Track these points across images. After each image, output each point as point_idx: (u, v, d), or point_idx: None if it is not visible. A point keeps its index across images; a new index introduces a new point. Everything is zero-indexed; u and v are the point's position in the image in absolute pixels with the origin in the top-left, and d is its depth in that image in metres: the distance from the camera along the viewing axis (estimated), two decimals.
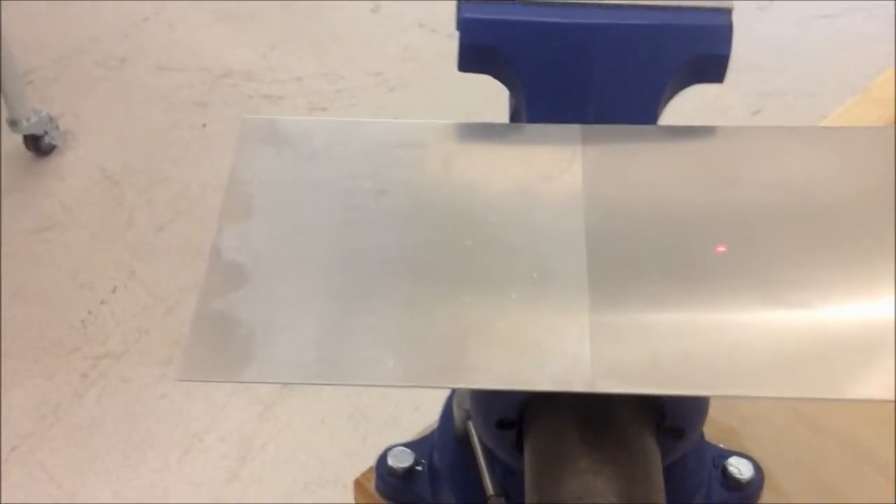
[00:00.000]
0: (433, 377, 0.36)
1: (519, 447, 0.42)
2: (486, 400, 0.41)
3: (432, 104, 1.80)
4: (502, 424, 0.41)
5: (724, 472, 0.51)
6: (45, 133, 1.66)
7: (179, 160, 1.70)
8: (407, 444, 0.52)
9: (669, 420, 0.41)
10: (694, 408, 0.41)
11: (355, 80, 1.84)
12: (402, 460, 0.51)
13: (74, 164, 1.70)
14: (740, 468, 0.51)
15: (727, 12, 0.45)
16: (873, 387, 0.36)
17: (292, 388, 1.38)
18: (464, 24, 0.45)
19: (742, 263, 0.40)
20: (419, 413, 1.33)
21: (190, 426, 1.36)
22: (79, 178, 1.67)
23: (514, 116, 0.49)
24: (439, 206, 0.42)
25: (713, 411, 0.55)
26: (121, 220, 1.60)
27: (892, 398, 0.36)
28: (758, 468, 0.51)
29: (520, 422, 0.41)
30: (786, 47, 1.86)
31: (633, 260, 0.40)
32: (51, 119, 1.67)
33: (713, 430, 0.55)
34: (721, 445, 0.53)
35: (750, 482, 0.50)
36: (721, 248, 0.40)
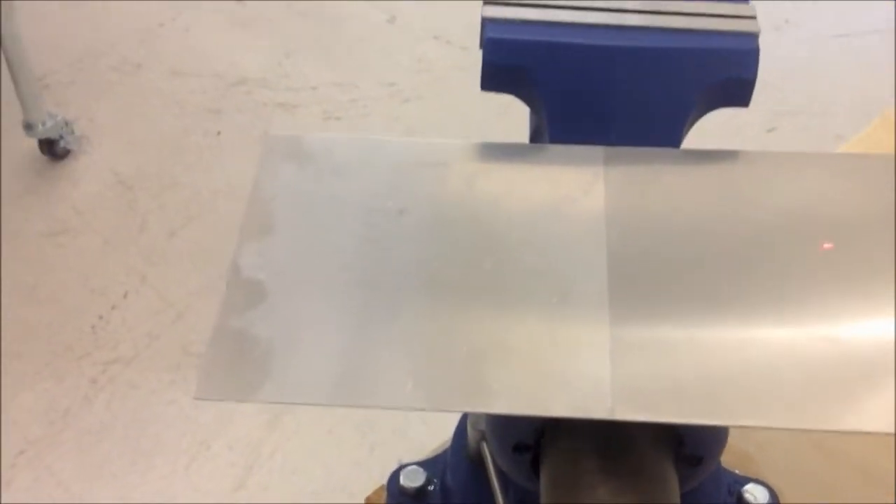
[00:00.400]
0: (451, 401, 0.36)
1: (535, 471, 0.41)
2: (503, 423, 0.41)
3: (446, 116, 1.80)
4: (519, 448, 0.41)
5: (740, 499, 0.50)
6: (61, 137, 1.67)
7: (192, 166, 1.70)
8: (419, 463, 0.52)
9: (688, 448, 0.40)
10: (713, 436, 0.41)
11: (369, 91, 1.84)
12: (413, 479, 0.50)
13: (88, 169, 1.70)
14: (756, 495, 0.50)
15: (754, 36, 0.45)
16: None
17: None
18: (488, 44, 0.44)
19: (763, 288, 0.39)
20: (426, 426, 1.33)
21: (198, 433, 1.35)
22: (92, 183, 1.67)
23: (535, 136, 0.48)
24: (460, 226, 0.42)
25: (730, 437, 0.55)
26: (133, 226, 1.60)
27: None
28: (773, 494, 0.51)
29: (536, 446, 0.41)
30: (801, 66, 1.85)
31: (653, 284, 0.40)
32: (66, 123, 1.68)
33: (729, 456, 0.54)
34: (737, 472, 0.53)
35: None
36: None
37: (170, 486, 1.30)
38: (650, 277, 0.40)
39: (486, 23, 0.45)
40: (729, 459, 0.54)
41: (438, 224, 0.42)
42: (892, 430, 0.36)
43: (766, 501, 0.50)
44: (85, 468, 1.30)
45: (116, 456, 1.31)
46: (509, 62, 0.44)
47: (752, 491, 0.50)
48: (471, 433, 0.47)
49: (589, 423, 0.39)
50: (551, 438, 0.40)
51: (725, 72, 0.44)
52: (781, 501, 0.51)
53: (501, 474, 0.45)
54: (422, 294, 0.39)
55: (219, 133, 1.76)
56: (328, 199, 0.42)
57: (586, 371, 0.36)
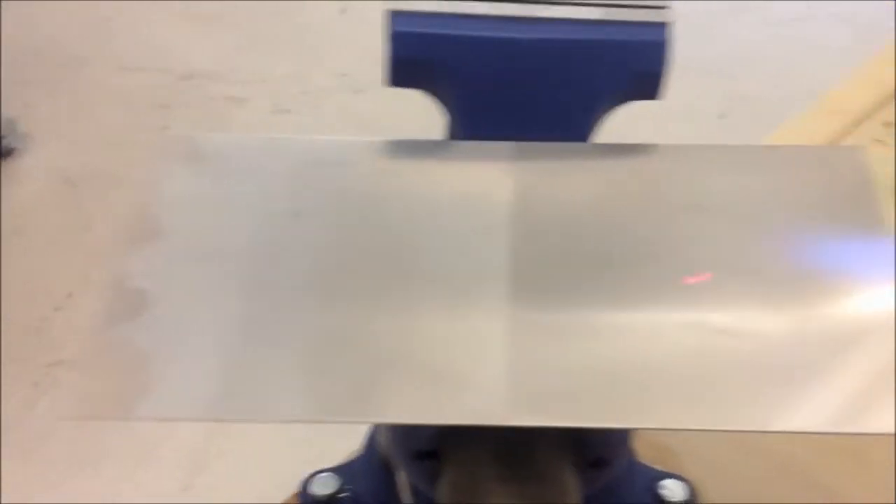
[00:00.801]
0: (342, 412, 0.35)
1: (438, 478, 0.40)
2: (402, 430, 0.40)
3: (399, 106, 1.77)
4: (419, 455, 0.40)
5: (658, 496, 0.49)
6: (4, 136, 1.63)
7: (139, 163, 1.67)
8: (332, 469, 0.50)
9: (590, 451, 0.39)
10: (615, 438, 0.40)
11: (321, 82, 1.82)
12: (325, 487, 0.49)
13: (33, 168, 1.67)
14: (674, 490, 0.49)
15: (664, 27, 0.43)
16: (799, 419, 0.35)
17: None
18: (395, 38, 0.43)
19: (668, 286, 0.38)
20: None
21: (143, 437, 1.33)
22: (37, 182, 1.64)
23: (451, 134, 0.47)
24: (359, 228, 0.40)
25: (651, 431, 0.54)
26: (78, 225, 1.57)
27: (820, 430, 0.35)
28: (692, 490, 0.50)
29: (437, 453, 0.39)
30: (753, 51, 1.85)
31: (556, 283, 0.38)
32: (10, 121, 1.64)
33: (650, 450, 0.53)
34: (657, 467, 0.52)
35: None
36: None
37: (116, 491, 1.28)
38: (553, 276, 0.39)
39: (393, 15, 0.43)
40: (650, 454, 0.53)
41: (336, 226, 0.40)
42: (795, 428, 0.35)
43: (683, 496, 0.49)
44: (28, 475, 1.27)
45: (60, 461, 1.29)
46: (417, 56, 0.43)
47: (670, 486, 0.49)
48: (380, 438, 0.45)
49: (488, 429, 0.37)
50: (452, 446, 0.39)
51: (632, 65, 0.43)
52: (701, 495, 0.50)
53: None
54: (315, 301, 0.38)
55: (166, 128, 1.73)
56: (222, 203, 0.41)
57: (482, 376, 0.35)
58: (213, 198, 0.41)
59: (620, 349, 0.36)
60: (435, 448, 0.39)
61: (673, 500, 0.49)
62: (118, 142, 1.70)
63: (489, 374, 0.35)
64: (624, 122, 0.47)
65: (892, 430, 0.34)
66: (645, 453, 0.53)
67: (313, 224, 0.40)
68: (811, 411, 0.35)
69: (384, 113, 1.74)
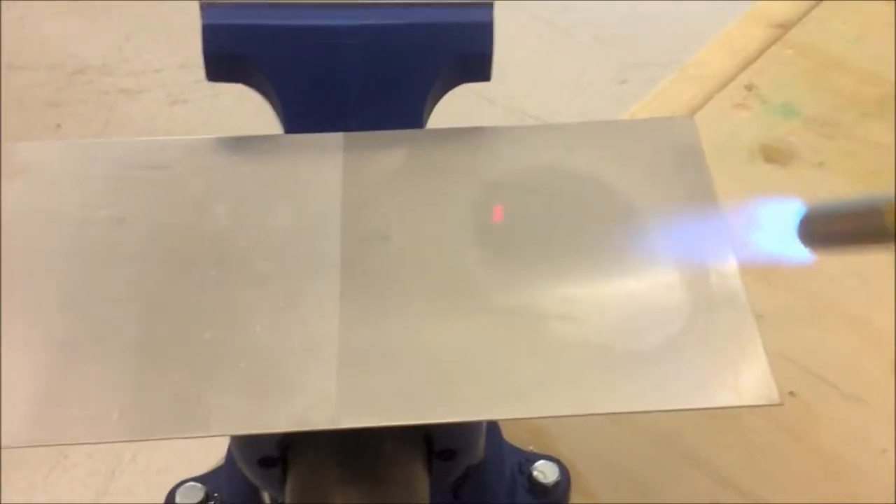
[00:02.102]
0: (163, 429, 0.34)
1: (285, 484, 0.39)
2: (245, 438, 0.39)
3: None
4: (265, 463, 0.39)
5: (530, 478, 0.49)
6: None
7: None
8: (198, 478, 0.49)
9: (438, 444, 0.39)
10: (462, 429, 0.39)
11: None
12: (190, 497, 0.48)
13: None
14: (545, 472, 0.49)
15: (489, 8, 0.43)
16: (660, 396, 0.35)
17: None
18: (206, 32, 0.42)
19: (503, 276, 0.38)
20: None
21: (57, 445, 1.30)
22: None
23: (283, 128, 0.46)
24: (182, 233, 0.39)
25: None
26: None
27: (647, 409, 0.35)
28: (563, 470, 0.50)
29: (283, 459, 0.39)
30: (648, 18, 1.87)
31: (388, 281, 0.38)
32: None
33: (524, 431, 0.53)
34: (531, 448, 0.52)
35: (556, 486, 0.49)
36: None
37: (29, 499, 1.25)
38: (385, 273, 0.38)
39: (204, 7, 0.42)
40: (523, 436, 0.53)
41: (158, 233, 0.39)
42: (624, 409, 0.35)
43: (555, 477, 0.49)
44: None
45: None
46: (230, 49, 0.42)
47: (541, 468, 0.49)
48: None
49: (331, 432, 0.37)
50: (296, 451, 0.38)
51: (458, 47, 0.42)
52: (573, 475, 0.51)
53: None
54: (135, 313, 0.36)
55: (59, 126, 1.68)
56: (37, 214, 0.39)
57: (311, 381, 0.34)
58: (29, 210, 0.39)
59: (453, 344, 0.36)
60: (279, 454, 0.38)
61: (544, 481, 0.49)
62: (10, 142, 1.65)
63: (318, 377, 0.35)
64: (528, 96, 0.46)
65: (778, 399, 0.34)
66: (519, 436, 0.53)
67: (137, 230, 0.39)
68: (674, 387, 0.35)
69: None
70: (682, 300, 0.36)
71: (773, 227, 0.38)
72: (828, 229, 0.38)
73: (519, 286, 0.37)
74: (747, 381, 0.34)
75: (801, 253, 0.38)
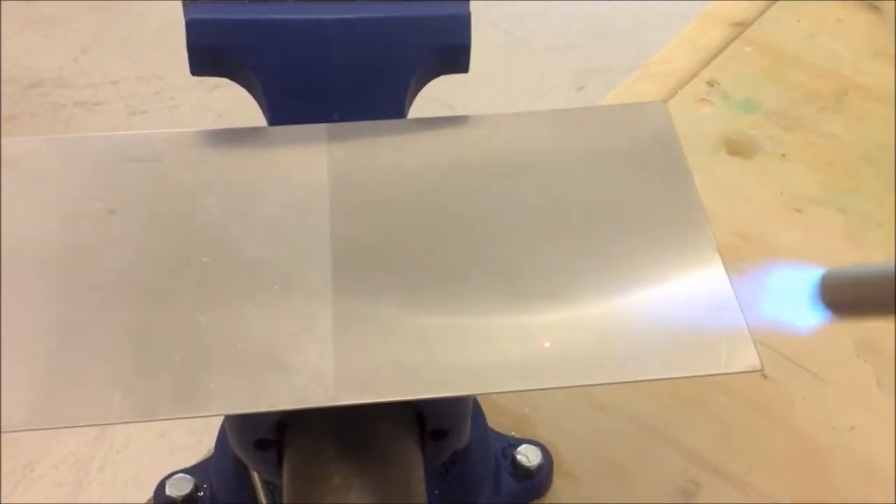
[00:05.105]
0: (164, 408, 0.34)
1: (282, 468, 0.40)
2: (240, 420, 0.39)
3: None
4: (261, 445, 0.39)
5: (514, 462, 0.50)
6: None
7: None
8: (187, 470, 0.50)
9: (430, 423, 0.40)
10: (454, 407, 0.40)
11: (175, 81, 1.77)
12: (180, 488, 0.48)
13: None
14: (528, 456, 0.51)
15: (465, 1, 0.44)
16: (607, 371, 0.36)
17: None
18: (190, 26, 0.42)
19: (489, 257, 0.39)
20: None
21: (20, 456, 1.29)
22: None
23: (268, 121, 0.47)
24: (174, 222, 0.40)
25: (504, 398, 0.55)
26: None
27: (630, 379, 0.36)
28: (546, 454, 0.51)
29: (279, 441, 0.39)
30: (604, 25, 1.90)
31: (379, 263, 0.39)
32: None
33: (506, 418, 0.54)
34: (513, 434, 0.53)
35: (539, 469, 0.50)
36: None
37: None
38: (375, 255, 0.39)
39: (188, 3, 0.43)
40: (505, 422, 0.54)
41: (152, 222, 0.39)
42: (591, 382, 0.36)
43: (538, 461, 0.50)
44: None
45: None
46: (214, 43, 0.42)
47: (524, 452, 0.51)
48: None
49: (327, 413, 0.38)
50: (292, 433, 0.39)
51: (438, 39, 0.43)
52: (556, 458, 0.52)
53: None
54: (134, 299, 0.37)
55: None
56: (29, 207, 0.40)
57: (308, 360, 0.35)
58: (21, 203, 0.40)
59: (445, 323, 0.37)
60: (275, 437, 0.39)
61: (527, 464, 0.51)
62: None
63: (315, 357, 0.35)
64: (489, 103, 0.47)
65: (759, 366, 0.35)
66: (501, 422, 0.54)
67: (128, 221, 0.39)
68: (656, 358, 0.36)
69: (243, 106, 1.72)
70: (660, 274, 0.38)
71: (790, 294, 0.37)
72: (849, 296, 0.36)
73: (504, 266, 0.39)
74: (728, 348, 0.36)
75: (818, 318, 0.37)
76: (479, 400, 0.53)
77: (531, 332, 0.36)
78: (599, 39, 1.88)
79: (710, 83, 0.72)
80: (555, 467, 0.51)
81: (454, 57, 0.44)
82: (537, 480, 0.50)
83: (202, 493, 0.49)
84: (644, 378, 0.36)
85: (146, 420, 0.34)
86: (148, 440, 1.31)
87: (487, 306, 0.37)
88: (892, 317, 0.35)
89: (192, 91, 1.76)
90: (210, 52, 0.42)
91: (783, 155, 0.67)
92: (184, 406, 0.35)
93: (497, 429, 0.52)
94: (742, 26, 0.76)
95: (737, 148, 0.68)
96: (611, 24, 1.91)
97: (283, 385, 0.35)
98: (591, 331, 0.37)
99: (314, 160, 0.42)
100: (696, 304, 0.37)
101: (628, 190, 0.41)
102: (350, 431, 0.38)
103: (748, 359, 0.35)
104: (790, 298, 0.37)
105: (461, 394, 0.37)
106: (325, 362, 0.35)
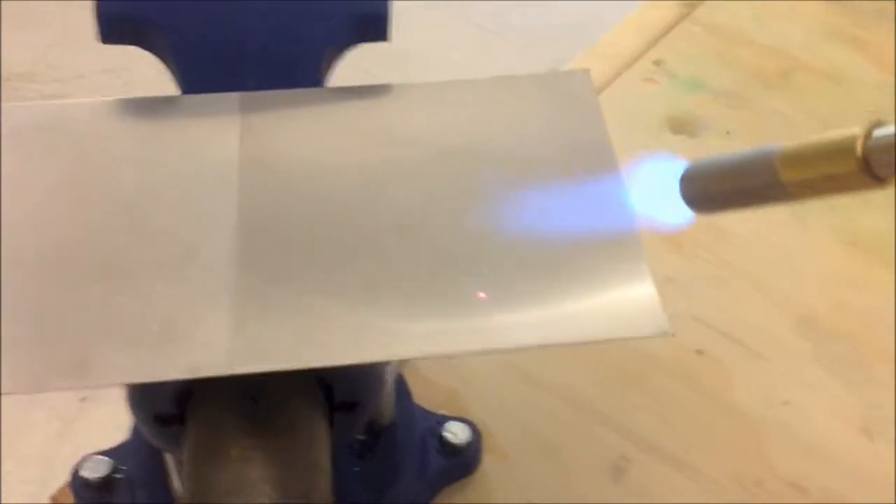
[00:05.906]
0: (51, 381, 0.33)
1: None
2: (139, 393, 0.38)
3: None
4: (161, 419, 0.38)
5: (441, 439, 0.50)
6: None
7: None
8: (105, 452, 0.49)
9: (339, 395, 0.39)
10: (363, 379, 0.39)
11: (142, 73, 1.74)
12: (96, 470, 0.47)
13: None
14: (456, 433, 0.50)
15: None
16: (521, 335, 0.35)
17: (93, 398, 1.32)
18: None
19: (400, 227, 0.38)
20: None
21: None
22: None
23: (181, 91, 0.46)
24: (79, 191, 0.39)
25: (434, 375, 0.54)
26: None
27: (536, 343, 0.36)
28: (475, 431, 0.50)
29: (181, 415, 0.38)
30: (575, 20, 1.89)
31: (285, 234, 0.38)
32: None
33: (436, 394, 0.54)
34: (442, 412, 0.52)
35: (467, 446, 0.50)
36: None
37: None
38: (282, 228, 0.38)
39: None
40: (436, 398, 0.53)
41: (57, 194, 0.38)
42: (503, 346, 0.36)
43: (466, 438, 0.49)
44: None
45: None
46: (124, 13, 0.42)
47: (452, 429, 0.50)
48: None
49: (229, 386, 0.37)
50: (194, 406, 0.38)
51: (354, 7, 0.42)
52: (485, 435, 0.51)
53: None
54: (30, 272, 0.36)
55: None
56: None
57: (205, 329, 0.34)
58: None
59: (347, 289, 0.36)
60: (176, 410, 0.38)
61: (455, 441, 0.50)
62: None
63: (213, 327, 0.35)
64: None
65: (668, 329, 0.34)
66: (432, 398, 0.53)
67: (31, 190, 0.38)
68: (564, 321, 0.35)
69: None
70: (572, 238, 0.37)
71: (656, 189, 0.37)
72: (713, 188, 0.35)
73: (414, 233, 0.38)
74: (635, 312, 0.35)
75: (683, 214, 0.36)
76: (408, 377, 0.52)
77: (439, 298, 0.36)
78: (571, 33, 1.87)
79: (657, 62, 0.71)
80: (484, 444, 0.51)
81: (371, 25, 0.43)
82: (466, 458, 0.50)
83: (120, 476, 0.48)
84: (551, 342, 0.36)
85: (31, 392, 0.33)
86: (112, 432, 1.29)
87: (396, 274, 0.36)
88: (752, 206, 0.34)
89: (160, 83, 1.74)
90: (120, 21, 0.42)
91: (728, 133, 0.66)
92: (72, 377, 0.34)
93: (427, 405, 0.52)
94: (691, 6, 0.75)
95: (681, 126, 0.67)
96: (583, 19, 1.90)
97: (178, 355, 0.34)
98: (499, 296, 0.36)
99: (226, 129, 0.41)
100: (608, 271, 0.37)
101: (544, 148, 0.40)
102: (254, 404, 0.37)
103: (656, 322, 0.35)
104: (658, 195, 0.36)
105: (362, 361, 0.36)
106: (222, 333, 0.34)
